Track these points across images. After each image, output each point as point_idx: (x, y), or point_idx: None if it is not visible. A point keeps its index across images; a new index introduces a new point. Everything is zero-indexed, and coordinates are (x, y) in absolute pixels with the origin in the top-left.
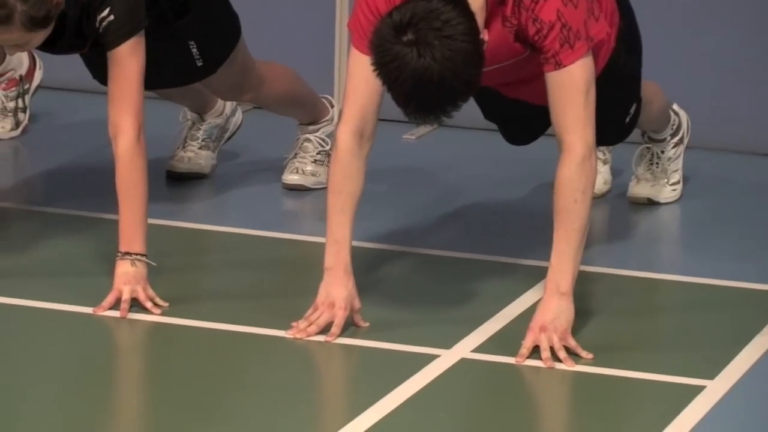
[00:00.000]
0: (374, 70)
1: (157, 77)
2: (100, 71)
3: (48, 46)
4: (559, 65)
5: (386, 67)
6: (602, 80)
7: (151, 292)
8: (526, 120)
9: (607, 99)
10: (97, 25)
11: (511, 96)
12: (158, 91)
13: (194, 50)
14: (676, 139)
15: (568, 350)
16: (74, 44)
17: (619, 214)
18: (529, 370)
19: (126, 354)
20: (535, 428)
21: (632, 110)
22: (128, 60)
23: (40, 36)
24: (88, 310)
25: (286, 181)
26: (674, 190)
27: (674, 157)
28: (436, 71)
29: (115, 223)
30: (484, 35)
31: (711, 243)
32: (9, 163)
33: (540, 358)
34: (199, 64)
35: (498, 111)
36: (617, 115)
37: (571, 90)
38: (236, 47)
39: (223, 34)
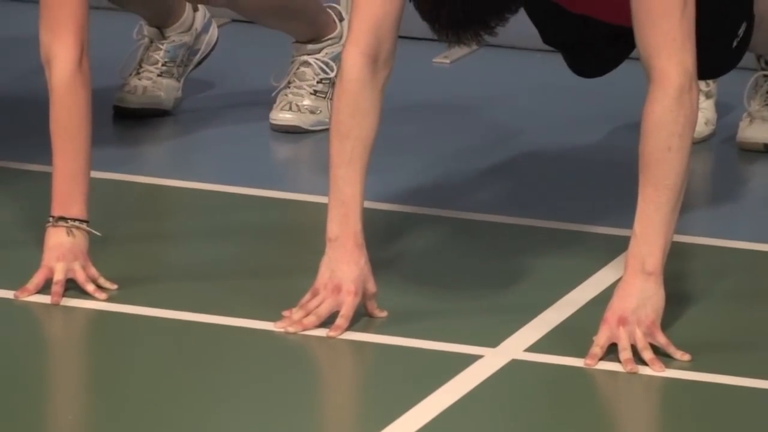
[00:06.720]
0: None
1: None
2: None
3: None
4: None
5: None
6: None
7: (93, 271)
8: (598, 44)
9: (709, 17)
10: None
11: (578, 11)
12: None
13: None
14: None
15: (657, 349)
16: None
17: (726, 165)
18: (603, 375)
19: (60, 352)
20: None
21: (741, 31)
22: None
23: None
24: (9, 294)
25: (275, 121)
26: None
27: None
28: None
29: (47, 177)
30: None
31: None
32: None
33: (618, 360)
34: None
35: (561, 32)
36: (722, 37)
37: None
38: None
39: None
